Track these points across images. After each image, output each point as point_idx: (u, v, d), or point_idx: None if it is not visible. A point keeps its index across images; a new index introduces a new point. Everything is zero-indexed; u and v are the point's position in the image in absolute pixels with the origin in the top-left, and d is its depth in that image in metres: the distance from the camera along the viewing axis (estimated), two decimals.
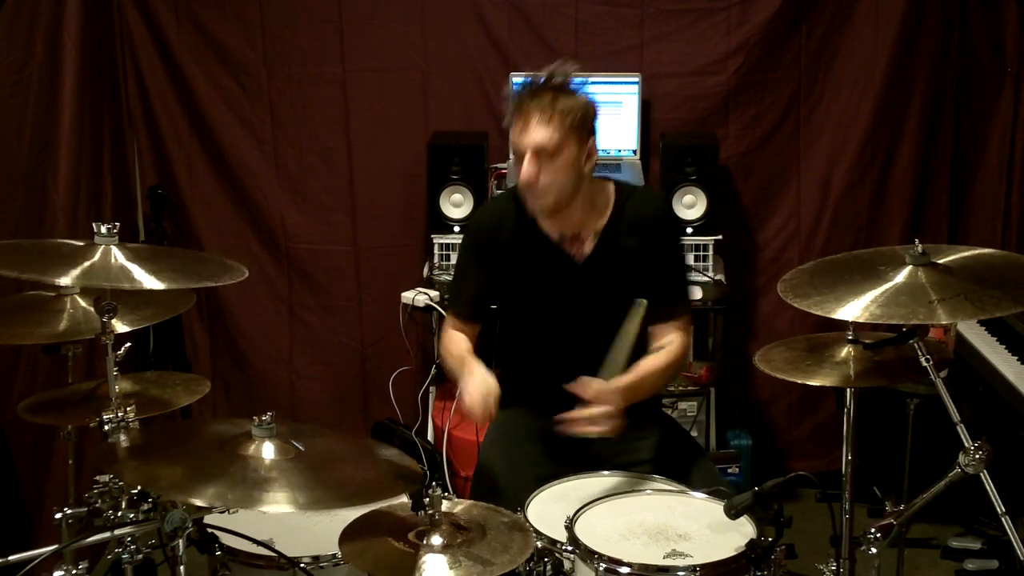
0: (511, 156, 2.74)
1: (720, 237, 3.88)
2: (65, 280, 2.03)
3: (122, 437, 2.04)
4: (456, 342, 2.70)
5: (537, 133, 2.48)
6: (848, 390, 2.23)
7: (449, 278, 3.77)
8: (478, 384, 2.47)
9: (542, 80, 2.51)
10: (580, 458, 2.56)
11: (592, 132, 2.56)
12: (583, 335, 2.60)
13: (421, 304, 3.80)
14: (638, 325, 2.45)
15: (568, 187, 2.53)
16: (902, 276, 2.09)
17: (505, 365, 2.78)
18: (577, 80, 2.54)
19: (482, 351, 2.67)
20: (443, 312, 3.40)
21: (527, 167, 2.50)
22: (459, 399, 2.51)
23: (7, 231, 3.20)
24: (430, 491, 2.04)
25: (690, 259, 3.84)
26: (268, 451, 1.90)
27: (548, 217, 2.60)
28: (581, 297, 2.64)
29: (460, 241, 2.86)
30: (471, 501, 2.29)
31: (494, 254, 2.69)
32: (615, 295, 2.55)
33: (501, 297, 2.76)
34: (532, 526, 2.20)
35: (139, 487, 1.92)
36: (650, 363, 2.55)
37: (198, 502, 1.80)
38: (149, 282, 2.05)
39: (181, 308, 2.69)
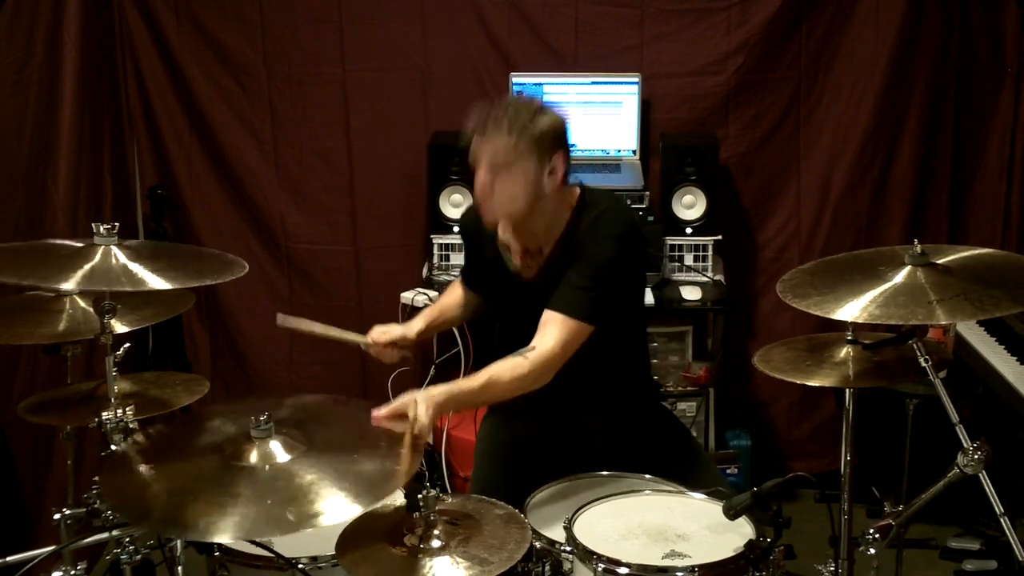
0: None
1: (720, 237, 3.88)
2: (68, 285, 2.01)
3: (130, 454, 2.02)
4: (446, 294, 2.84)
5: (491, 143, 2.38)
6: (847, 390, 2.23)
7: (448, 278, 3.80)
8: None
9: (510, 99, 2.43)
10: (579, 458, 2.55)
11: (558, 148, 2.42)
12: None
13: (421, 304, 3.78)
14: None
15: (522, 203, 2.41)
16: (901, 276, 2.09)
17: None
18: (546, 103, 2.44)
19: (482, 351, 2.65)
20: None
21: (480, 177, 2.41)
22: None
23: (7, 231, 3.20)
24: (424, 492, 2.04)
25: (689, 259, 3.84)
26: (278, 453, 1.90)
27: (503, 232, 2.54)
28: (533, 312, 2.47)
29: None
30: (465, 495, 2.28)
31: (476, 248, 2.68)
32: None
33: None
34: (531, 525, 2.20)
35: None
36: (482, 376, 2.35)
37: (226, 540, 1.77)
38: (153, 281, 2.05)
39: (181, 308, 2.70)
